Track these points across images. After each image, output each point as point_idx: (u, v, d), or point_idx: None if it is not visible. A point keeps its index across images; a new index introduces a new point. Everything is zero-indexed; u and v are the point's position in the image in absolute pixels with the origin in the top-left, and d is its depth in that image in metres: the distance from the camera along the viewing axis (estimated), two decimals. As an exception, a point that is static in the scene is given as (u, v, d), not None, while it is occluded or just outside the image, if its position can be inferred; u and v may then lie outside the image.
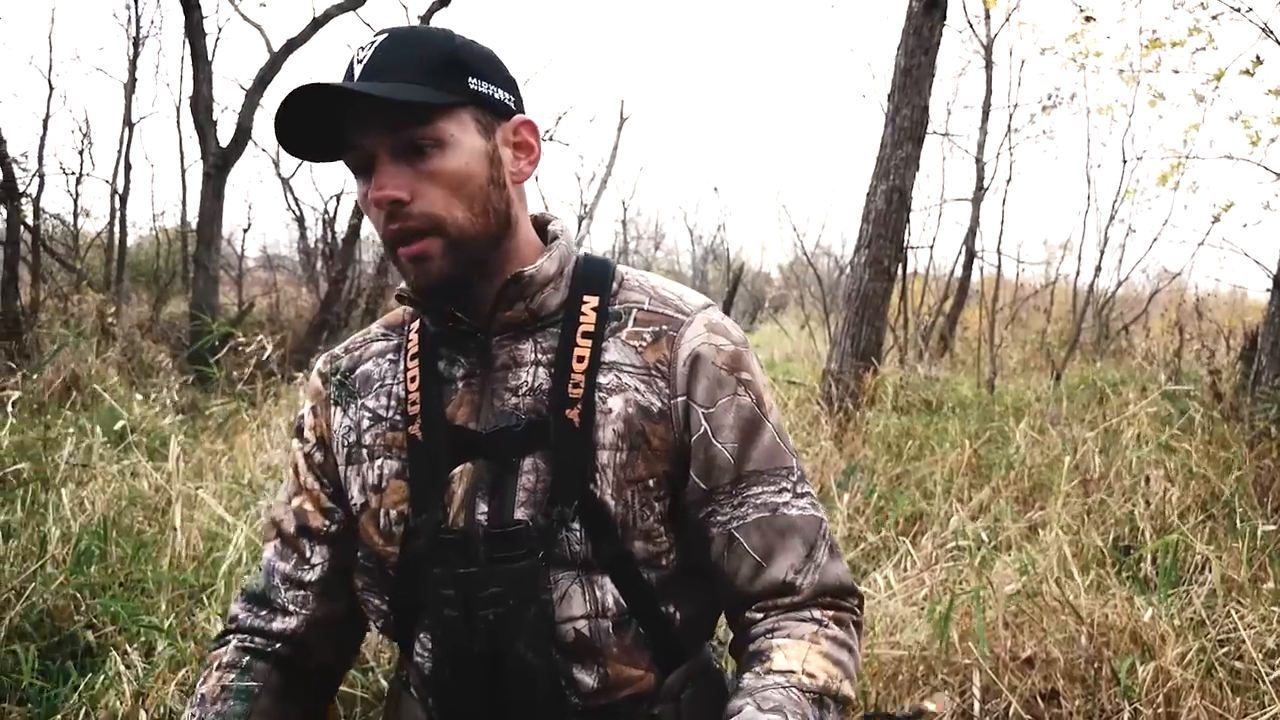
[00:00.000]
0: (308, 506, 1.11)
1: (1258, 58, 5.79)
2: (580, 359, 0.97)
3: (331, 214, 12.22)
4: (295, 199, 13.50)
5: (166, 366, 7.33)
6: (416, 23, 9.92)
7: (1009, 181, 11.38)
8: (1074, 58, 7.07)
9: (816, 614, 0.98)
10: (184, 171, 13.54)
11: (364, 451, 1.06)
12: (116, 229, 11.95)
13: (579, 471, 0.95)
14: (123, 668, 2.25)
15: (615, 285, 1.04)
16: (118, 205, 12.04)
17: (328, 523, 1.10)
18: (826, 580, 1.00)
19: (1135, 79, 6.91)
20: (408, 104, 0.89)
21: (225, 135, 8.69)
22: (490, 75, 0.96)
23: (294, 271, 14.44)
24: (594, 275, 1.03)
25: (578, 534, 0.95)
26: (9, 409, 3.91)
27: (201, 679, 1.07)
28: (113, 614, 2.57)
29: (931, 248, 11.48)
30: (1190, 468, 4.20)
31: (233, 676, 1.05)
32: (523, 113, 1.00)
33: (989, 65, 10.62)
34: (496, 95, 0.96)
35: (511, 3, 44.27)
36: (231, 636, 1.11)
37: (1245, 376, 6.09)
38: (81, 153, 12.54)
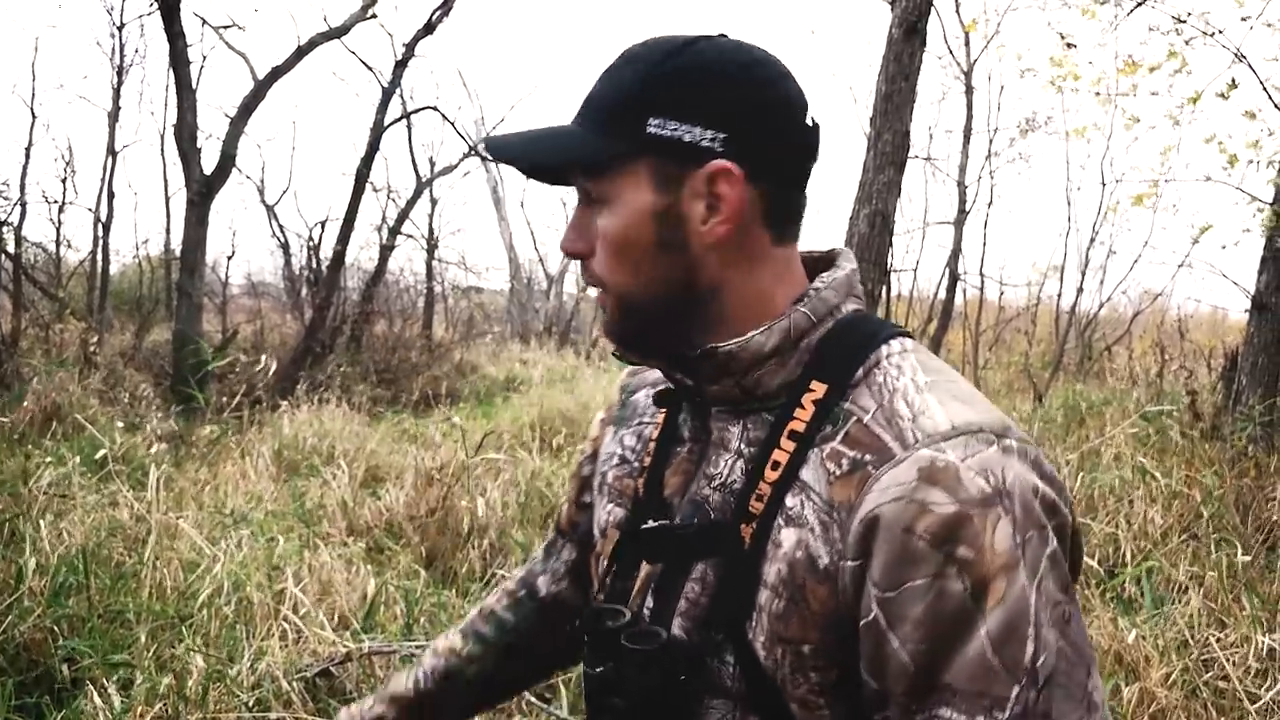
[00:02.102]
0: (564, 509, 1.13)
1: (1233, 81, 5.88)
2: (775, 465, 0.78)
3: (316, 241, 12.23)
4: (280, 226, 13.42)
5: (149, 395, 7.28)
6: (400, 51, 9.97)
7: (990, 205, 11.49)
8: (1053, 81, 7.16)
9: None
10: (168, 199, 13.55)
11: (606, 489, 0.98)
12: (99, 257, 11.93)
13: (737, 601, 0.79)
14: (99, 702, 2.22)
15: (862, 373, 0.79)
16: (100, 233, 12.02)
17: (573, 532, 1.12)
18: None
19: (1112, 102, 7.01)
20: (548, 166, 0.83)
21: (209, 162, 8.69)
22: (686, 109, 0.78)
23: (278, 298, 14.40)
24: (841, 353, 0.80)
25: (731, 669, 0.79)
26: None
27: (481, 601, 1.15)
28: (89, 647, 2.54)
29: (915, 271, 11.56)
30: (1172, 488, 4.22)
31: (505, 604, 1.13)
32: (734, 155, 0.78)
33: (969, 90, 10.74)
34: (687, 137, 0.77)
35: (497, 29, 44.60)
36: (509, 582, 1.17)
37: (1226, 397, 6.14)
38: (64, 181, 12.53)
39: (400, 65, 9.95)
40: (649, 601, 0.85)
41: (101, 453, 4.37)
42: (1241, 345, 6.09)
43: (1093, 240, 11.03)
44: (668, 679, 0.80)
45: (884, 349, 0.80)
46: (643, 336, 0.84)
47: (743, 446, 0.82)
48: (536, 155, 0.82)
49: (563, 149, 0.81)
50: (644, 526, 0.85)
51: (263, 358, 6.20)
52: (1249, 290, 5.98)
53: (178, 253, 9.76)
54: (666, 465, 0.89)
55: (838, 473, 0.75)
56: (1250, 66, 5.52)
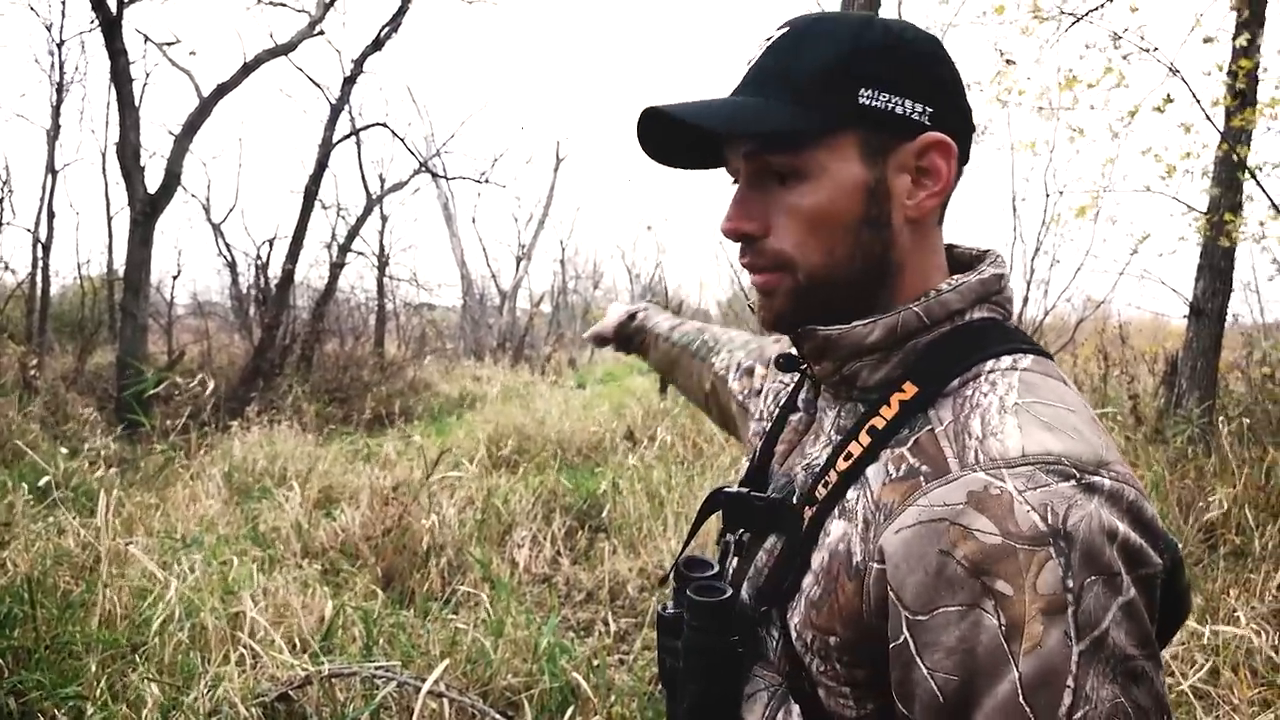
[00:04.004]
0: (767, 357, 1.21)
1: (1168, 96, 6.06)
2: (848, 457, 0.77)
3: (264, 259, 12.07)
4: (227, 244, 13.24)
5: (93, 419, 7.12)
6: (349, 67, 9.90)
7: (937, 216, 11.64)
8: (998, 96, 7.32)
9: None
10: (110, 218, 13.30)
11: (758, 414, 1.05)
12: (39, 278, 11.65)
13: (785, 579, 0.79)
14: (50, 735, 2.17)
15: (957, 383, 0.75)
16: (40, 254, 11.75)
17: (750, 379, 1.22)
18: None
19: (1054, 115, 7.18)
20: (750, 136, 0.78)
21: (153, 181, 8.55)
22: (898, 81, 0.76)
23: (226, 318, 14.17)
24: (945, 360, 0.77)
25: (775, 643, 0.79)
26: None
27: None
28: (37, 679, 2.47)
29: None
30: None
31: (721, 350, 1.35)
32: (940, 128, 0.77)
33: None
34: (899, 109, 0.76)
35: (444, 46, 44.49)
36: (742, 351, 1.30)
37: (1167, 400, 6.30)
38: (1, 201, 12.24)
39: (349, 82, 9.89)
40: (732, 562, 0.87)
41: (45, 479, 4.26)
42: (1181, 350, 6.27)
43: (1038, 250, 11.26)
44: (720, 635, 0.82)
45: (990, 363, 0.76)
46: (809, 319, 0.81)
47: (833, 433, 0.83)
48: (740, 124, 0.77)
49: (758, 118, 0.77)
50: (725, 490, 0.88)
51: (199, 377, 6.08)
52: (1187, 297, 6.16)
53: (121, 273, 9.57)
54: (781, 430, 0.92)
55: (894, 475, 0.73)
56: (1184, 81, 5.69)
